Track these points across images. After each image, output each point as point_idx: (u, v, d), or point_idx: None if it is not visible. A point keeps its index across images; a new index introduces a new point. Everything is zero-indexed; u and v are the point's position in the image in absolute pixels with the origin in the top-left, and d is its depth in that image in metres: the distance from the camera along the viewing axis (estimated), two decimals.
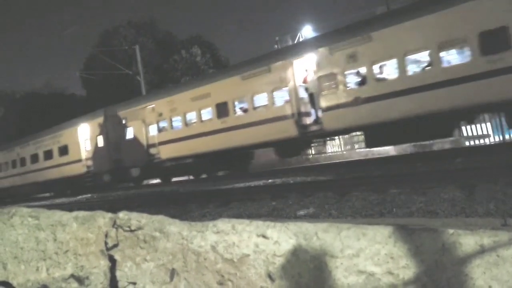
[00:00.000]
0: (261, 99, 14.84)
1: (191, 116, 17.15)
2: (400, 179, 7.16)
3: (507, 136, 15.10)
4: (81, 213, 2.76)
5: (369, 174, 9.09)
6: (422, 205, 4.77)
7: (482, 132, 16.40)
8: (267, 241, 2.16)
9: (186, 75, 34.31)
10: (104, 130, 21.15)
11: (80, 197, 18.26)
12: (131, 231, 2.53)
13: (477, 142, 16.47)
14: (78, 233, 2.69)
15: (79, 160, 22.16)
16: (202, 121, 16.52)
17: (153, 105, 18.68)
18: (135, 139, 19.56)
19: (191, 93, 17.06)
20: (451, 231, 1.88)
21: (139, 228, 2.51)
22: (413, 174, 7.95)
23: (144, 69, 30.02)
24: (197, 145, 16.52)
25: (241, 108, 15.61)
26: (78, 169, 22.23)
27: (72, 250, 2.67)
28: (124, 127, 20.10)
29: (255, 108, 14.93)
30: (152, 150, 18.66)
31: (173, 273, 2.36)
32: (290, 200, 6.65)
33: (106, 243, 2.60)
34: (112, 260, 2.56)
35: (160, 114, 18.22)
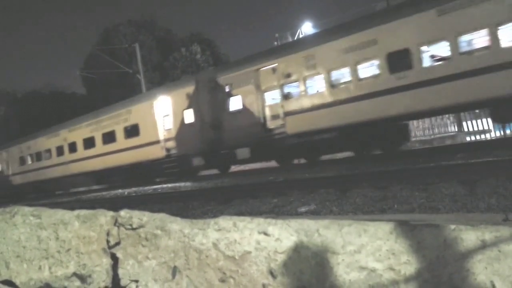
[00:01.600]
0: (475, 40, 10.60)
1: (342, 73, 13.16)
2: (401, 175, 7.16)
3: (508, 131, 15.09)
4: (83, 212, 2.77)
5: (370, 170, 9.09)
6: (423, 201, 4.77)
7: (483, 127, 16.41)
8: (269, 238, 2.16)
9: (186, 73, 34.29)
10: (194, 102, 16.93)
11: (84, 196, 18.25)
12: (133, 229, 2.54)
13: (478, 137, 16.46)
14: (80, 231, 2.70)
15: (156, 142, 18.33)
16: (360, 79, 12.54)
17: (275, 65, 14.42)
18: (243, 111, 15.24)
19: (341, 43, 12.89)
20: (452, 226, 1.88)
21: (141, 226, 2.52)
22: (414, 170, 7.95)
23: (144, 67, 30.01)
24: (350, 112, 12.48)
25: (433, 56, 11.77)
26: (154, 152, 18.37)
27: (74, 249, 2.68)
28: (226, 96, 15.72)
29: (465, 53, 10.79)
30: (272, 124, 14.49)
31: (175, 270, 2.37)
32: (291, 197, 6.65)
33: (108, 242, 2.61)
34: (114, 258, 2.57)
35: (288, 75, 13.94)
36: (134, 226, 2.54)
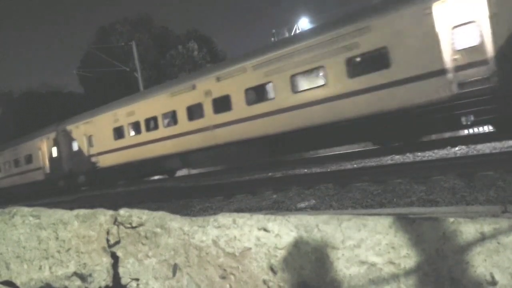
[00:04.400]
0: None
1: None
2: (400, 168, 7.17)
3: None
4: (82, 211, 2.77)
5: (369, 164, 9.10)
6: (422, 194, 4.78)
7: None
8: (268, 234, 2.17)
9: (183, 70, 34.23)
10: None
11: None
12: (133, 227, 2.53)
13: (475, 130, 16.47)
14: (80, 231, 2.70)
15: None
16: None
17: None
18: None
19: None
20: (451, 219, 1.88)
21: (140, 224, 2.52)
22: (413, 163, 7.96)
23: (141, 65, 29.93)
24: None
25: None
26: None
27: (74, 248, 2.68)
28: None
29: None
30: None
31: (175, 268, 2.37)
32: (290, 192, 6.66)
33: (108, 240, 2.61)
34: (115, 257, 2.57)
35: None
36: (134, 224, 2.54)
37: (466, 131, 16.38)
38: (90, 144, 21.40)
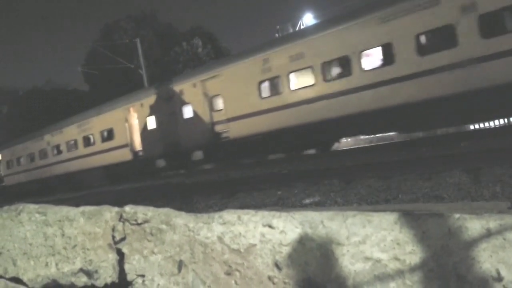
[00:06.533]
0: None
1: None
2: (405, 164, 7.15)
3: (511, 119, 15.01)
4: (88, 208, 2.78)
5: (374, 160, 9.08)
6: (427, 190, 4.76)
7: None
8: (273, 231, 2.17)
9: (188, 67, 34.24)
10: None
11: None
12: (138, 224, 2.55)
13: (481, 125, 16.38)
14: (86, 227, 2.71)
15: None
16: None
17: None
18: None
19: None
20: (457, 215, 1.88)
21: (146, 221, 2.53)
22: (418, 159, 7.94)
23: (145, 62, 29.96)
24: None
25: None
26: None
27: (80, 245, 2.70)
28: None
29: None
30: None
31: (180, 264, 2.38)
32: (295, 189, 6.65)
33: (113, 237, 2.62)
34: (120, 254, 2.58)
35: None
36: (139, 221, 2.55)
37: (472, 127, 16.30)
38: (212, 108, 15.58)
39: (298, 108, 12.86)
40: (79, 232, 2.72)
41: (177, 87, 16.68)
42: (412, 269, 1.87)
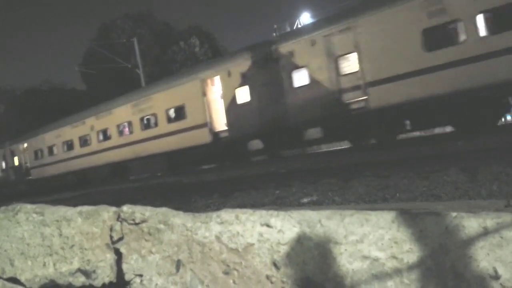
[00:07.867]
0: None
1: None
2: (403, 163, 7.16)
3: (508, 118, 15.05)
4: (85, 208, 2.78)
5: (372, 159, 9.09)
6: (425, 189, 4.76)
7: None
8: (271, 230, 2.17)
9: (185, 66, 34.22)
10: None
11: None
12: (136, 224, 2.54)
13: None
14: (83, 227, 2.71)
15: None
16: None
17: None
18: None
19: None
20: (454, 214, 1.88)
21: (144, 221, 2.53)
22: (416, 158, 7.95)
23: (143, 61, 29.90)
24: None
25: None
26: None
27: (78, 245, 2.69)
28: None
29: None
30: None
31: (178, 264, 2.38)
32: (293, 188, 6.65)
33: (111, 237, 2.62)
34: (118, 253, 2.58)
35: None
36: (137, 221, 2.54)
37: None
38: (339, 72, 12.42)
39: (487, 62, 9.43)
40: (77, 232, 2.71)
41: (283, 48, 13.44)
42: (410, 268, 1.88)
